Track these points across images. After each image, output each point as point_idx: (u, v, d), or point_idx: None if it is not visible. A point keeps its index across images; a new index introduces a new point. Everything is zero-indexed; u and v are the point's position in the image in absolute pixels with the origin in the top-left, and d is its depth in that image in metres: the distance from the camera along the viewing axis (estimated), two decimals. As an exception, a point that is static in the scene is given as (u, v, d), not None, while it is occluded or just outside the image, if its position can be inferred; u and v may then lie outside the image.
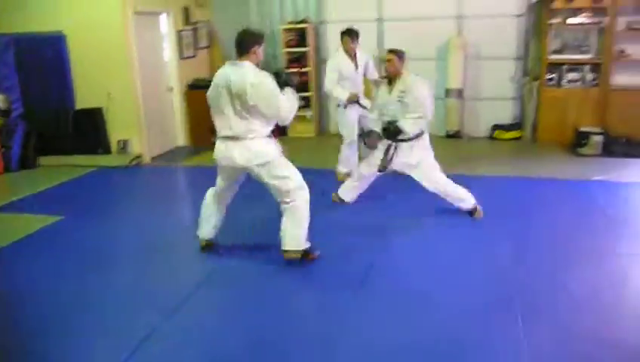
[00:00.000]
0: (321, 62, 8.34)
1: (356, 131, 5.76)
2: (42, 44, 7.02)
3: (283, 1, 8.36)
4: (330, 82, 5.67)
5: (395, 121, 4.52)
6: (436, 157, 4.72)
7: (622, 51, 7.08)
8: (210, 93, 3.70)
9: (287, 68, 8.15)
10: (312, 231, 3.87)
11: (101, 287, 3.68)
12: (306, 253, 3.85)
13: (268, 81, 3.57)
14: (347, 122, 5.77)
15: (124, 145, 7.18)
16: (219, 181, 3.98)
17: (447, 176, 4.66)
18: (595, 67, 7.15)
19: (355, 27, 5.81)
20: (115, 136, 7.22)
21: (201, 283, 3.72)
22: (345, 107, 5.70)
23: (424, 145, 4.66)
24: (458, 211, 4.67)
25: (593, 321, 3.09)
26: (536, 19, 7.45)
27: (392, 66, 4.59)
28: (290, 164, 3.81)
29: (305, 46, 8.11)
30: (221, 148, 3.73)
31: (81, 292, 3.62)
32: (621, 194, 5.35)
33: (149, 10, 7.28)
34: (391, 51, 4.63)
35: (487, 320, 3.13)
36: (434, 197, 4.65)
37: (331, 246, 4.07)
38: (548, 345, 2.85)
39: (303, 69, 8.20)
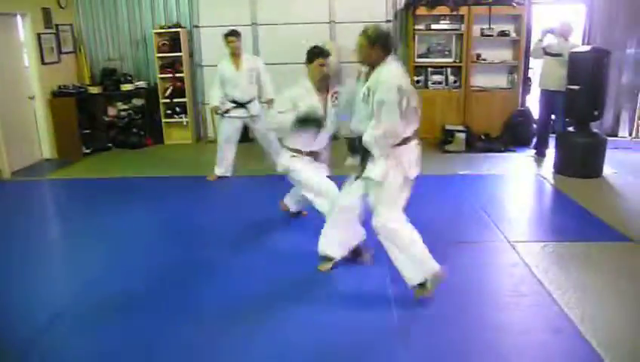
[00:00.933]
0: (195, 68, 8.20)
1: (232, 139, 5.95)
2: None
3: (155, 5, 8.09)
4: (212, 85, 5.95)
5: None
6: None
7: (478, 55, 7.69)
8: None
9: (160, 73, 7.92)
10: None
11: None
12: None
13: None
14: (221, 130, 6.05)
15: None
16: None
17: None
18: (457, 70, 7.70)
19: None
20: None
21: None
22: (217, 113, 5.90)
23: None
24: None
25: (458, 307, 3.31)
26: (402, 25, 7.88)
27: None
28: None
29: (178, 51, 7.90)
30: None
31: None
32: (484, 186, 5.79)
33: (2, 11, 6.70)
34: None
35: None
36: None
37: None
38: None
39: (177, 75, 7.98)
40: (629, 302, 3.33)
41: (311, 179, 4.06)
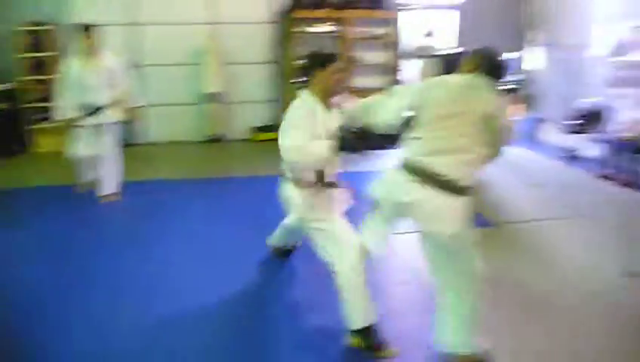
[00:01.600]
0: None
1: (85, 151, 5.11)
2: None
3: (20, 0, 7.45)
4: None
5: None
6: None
7: (357, 58, 8.03)
8: None
9: (28, 75, 7.36)
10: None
11: None
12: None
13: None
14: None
15: None
16: None
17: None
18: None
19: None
20: None
21: None
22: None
23: None
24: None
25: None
26: (283, 27, 8.01)
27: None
28: None
29: (48, 51, 7.37)
30: None
31: None
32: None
33: None
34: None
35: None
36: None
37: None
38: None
39: (46, 77, 7.44)
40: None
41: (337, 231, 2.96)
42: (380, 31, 8.03)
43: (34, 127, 7.48)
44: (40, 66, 7.45)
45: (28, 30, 7.36)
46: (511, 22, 8.59)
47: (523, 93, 8.29)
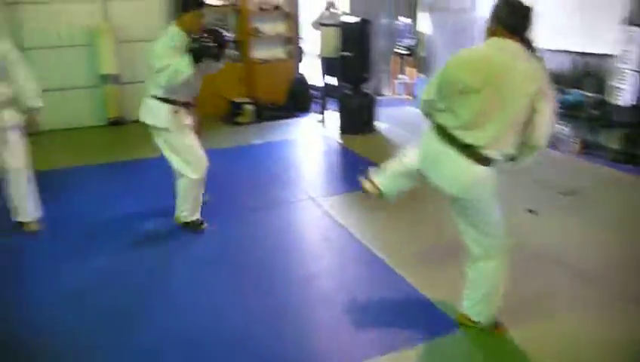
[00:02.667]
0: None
1: None
2: None
3: None
4: None
5: None
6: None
7: (256, 29, 8.03)
8: None
9: None
10: None
11: None
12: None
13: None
14: None
15: None
16: None
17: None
18: (238, 44, 7.94)
19: None
20: None
21: None
22: None
23: None
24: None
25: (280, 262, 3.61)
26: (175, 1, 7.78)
27: None
28: None
29: None
30: None
31: None
32: (279, 151, 6.19)
33: None
34: None
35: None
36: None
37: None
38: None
39: None
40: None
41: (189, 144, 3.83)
42: (278, 2, 8.07)
43: None
44: None
45: None
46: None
47: (416, 56, 8.77)
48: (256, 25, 8.05)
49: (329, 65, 7.37)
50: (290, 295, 3.22)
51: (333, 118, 7.17)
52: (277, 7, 8.08)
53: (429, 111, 2.62)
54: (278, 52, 8.39)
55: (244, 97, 7.74)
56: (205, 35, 3.58)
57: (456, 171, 2.49)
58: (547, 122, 2.43)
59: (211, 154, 5.32)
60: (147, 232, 4.06)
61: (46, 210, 4.10)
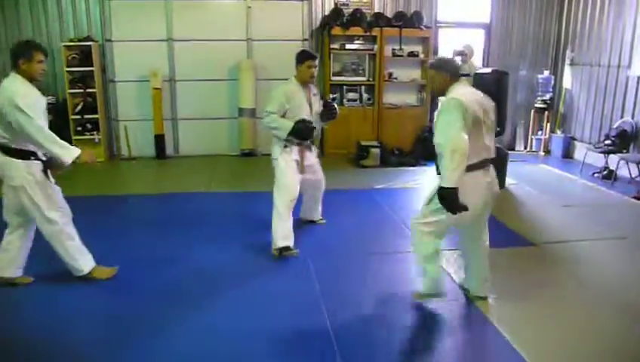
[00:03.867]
0: (108, 83, 7.95)
1: None
2: None
3: (63, 17, 7.76)
4: None
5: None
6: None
7: (390, 74, 8.10)
8: None
9: (70, 88, 7.61)
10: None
11: None
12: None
13: None
14: None
15: None
16: None
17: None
18: (370, 88, 8.05)
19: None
20: None
21: None
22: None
23: None
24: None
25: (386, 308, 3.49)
26: (318, 44, 8.13)
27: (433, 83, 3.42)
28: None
29: (89, 65, 7.62)
30: None
31: None
32: (400, 198, 6.07)
33: None
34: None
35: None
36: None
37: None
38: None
39: (89, 90, 7.70)
40: (536, 299, 3.67)
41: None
42: (414, 49, 8.09)
43: (76, 138, 7.69)
44: (83, 80, 7.68)
45: (72, 45, 7.61)
46: (542, 40, 8.62)
47: (554, 111, 8.29)
48: (391, 70, 8.12)
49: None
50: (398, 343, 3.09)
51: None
52: (412, 54, 8.08)
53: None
54: (410, 98, 8.37)
55: (372, 140, 7.78)
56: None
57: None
58: None
59: (334, 194, 5.37)
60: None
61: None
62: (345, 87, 8.04)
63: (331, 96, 7.91)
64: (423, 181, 6.78)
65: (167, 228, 5.01)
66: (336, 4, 8.10)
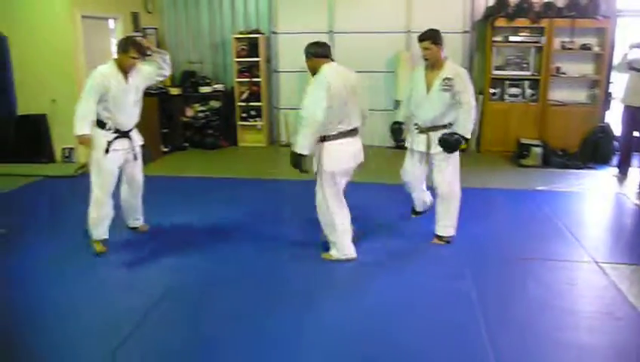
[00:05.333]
0: (272, 73, 8.40)
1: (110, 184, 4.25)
2: (-20, 45, 6.70)
3: (235, 11, 8.36)
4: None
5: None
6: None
7: (558, 69, 7.53)
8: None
9: (238, 77, 8.17)
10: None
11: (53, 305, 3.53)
12: None
13: None
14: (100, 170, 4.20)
15: (69, 154, 6.93)
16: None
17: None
18: (534, 83, 7.56)
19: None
20: (59, 144, 6.96)
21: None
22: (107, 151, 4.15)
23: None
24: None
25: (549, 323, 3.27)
26: (480, 36, 7.81)
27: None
28: None
29: (256, 56, 8.12)
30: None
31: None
32: (564, 203, 5.64)
33: (98, 15, 7.10)
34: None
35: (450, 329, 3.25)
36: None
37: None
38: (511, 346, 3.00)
39: (254, 79, 8.21)
40: None
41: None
42: (587, 41, 7.42)
43: (241, 123, 8.28)
44: (250, 70, 8.21)
45: (241, 38, 8.15)
46: None
47: None
48: (559, 64, 7.54)
49: (633, 116, 6.35)
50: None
51: (635, 177, 6.28)
52: (585, 47, 7.42)
53: None
54: (580, 95, 7.71)
55: (533, 139, 7.32)
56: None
57: None
58: None
59: (491, 193, 5.18)
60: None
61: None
62: (507, 81, 7.64)
63: (491, 90, 7.57)
64: (590, 185, 6.25)
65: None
66: (501, -7, 7.71)
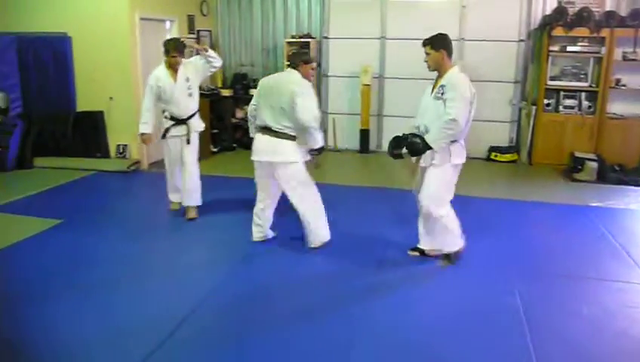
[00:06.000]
0: (321, 77, 8.43)
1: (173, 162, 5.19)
2: (46, 44, 7.01)
3: (287, 15, 8.44)
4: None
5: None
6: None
7: (618, 80, 7.26)
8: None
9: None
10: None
11: (102, 306, 3.61)
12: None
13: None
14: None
15: (123, 150, 7.14)
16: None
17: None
18: (592, 95, 7.31)
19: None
20: (114, 140, 7.19)
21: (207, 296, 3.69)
22: (163, 136, 5.09)
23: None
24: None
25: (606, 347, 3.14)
26: (535, 45, 7.61)
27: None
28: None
29: (306, 60, 8.16)
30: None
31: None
32: (620, 220, 5.42)
33: (156, 17, 7.30)
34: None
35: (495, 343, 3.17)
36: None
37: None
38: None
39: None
40: None
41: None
42: (651, 52, 7.13)
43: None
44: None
45: (293, 42, 8.22)
46: None
47: None
48: (619, 76, 7.27)
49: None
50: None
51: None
52: (649, 59, 7.13)
53: None
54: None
55: (588, 153, 7.08)
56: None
57: None
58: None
59: (542, 208, 5.04)
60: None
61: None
62: (562, 92, 7.41)
63: (545, 101, 7.37)
64: (650, 203, 5.99)
65: (377, 219, 5.21)
66: (559, 2, 7.48)
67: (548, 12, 7.50)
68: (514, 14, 7.68)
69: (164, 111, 5.05)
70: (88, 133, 7.13)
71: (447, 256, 4.17)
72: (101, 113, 7.10)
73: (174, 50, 4.84)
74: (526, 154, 7.67)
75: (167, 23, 7.65)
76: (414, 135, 3.93)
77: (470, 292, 3.78)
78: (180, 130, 5.01)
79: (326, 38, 8.32)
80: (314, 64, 4.34)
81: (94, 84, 7.02)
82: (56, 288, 3.71)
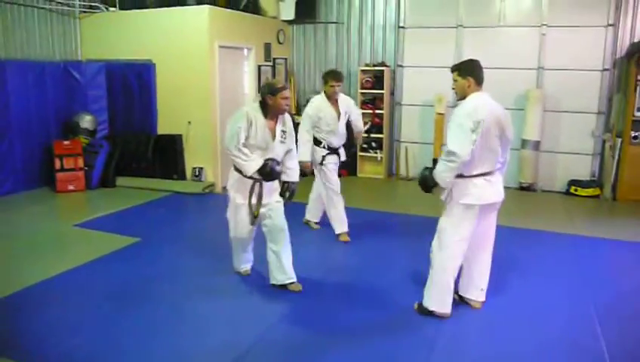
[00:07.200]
0: (394, 105, 8.41)
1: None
2: (132, 71, 7.43)
3: (362, 44, 8.52)
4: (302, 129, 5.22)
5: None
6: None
7: None
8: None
9: (361, 108, 8.25)
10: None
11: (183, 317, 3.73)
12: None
13: None
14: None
15: (198, 173, 7.37)
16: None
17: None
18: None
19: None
20: (190, 163, 7.44)
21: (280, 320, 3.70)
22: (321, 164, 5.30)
23: None
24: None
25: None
26: (621, 74, 7.25)
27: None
28: None
29: (380, 88, 8.18)
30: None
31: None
32: None
33: (234, 45, 7.57)
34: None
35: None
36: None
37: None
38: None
39: (377, 111, 8.27)
40: None
41: None
42: None
43: (361, 154, 8.36)
44: (373, 102, 8.29)
45: (367, 70, 8.27)
46: None
47: None
48: None
49: None
50: None
51: None
52: None
53: None
54: None
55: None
56: None
57: None
58: None
59: (630, 247, 4.77)
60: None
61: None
62: (651, 124, 7.00)
63: (633, 133, 6.97)
64: None
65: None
66: (649, 29, 7.14)
67: (636, 39, 7.15)
68: (598, 42, 7.37)
69: (316, 140, 5.27)
70: (167, 155, 7.43)
71: (420, 305, 3.71)
72: (180, 136, 7.39)
73: (335, 80, 5.17)
74: (610, 189, 7.24)
75: (245, 51, 7.90)
76: (427, 167, 3.69)
77: (551, 330, 3.56)
78: (334, 158, 5.36)
79: (400, 66, 8.31)
80: (285, 92, 3.86)
81: (174, 108, 7.34)
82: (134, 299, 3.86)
